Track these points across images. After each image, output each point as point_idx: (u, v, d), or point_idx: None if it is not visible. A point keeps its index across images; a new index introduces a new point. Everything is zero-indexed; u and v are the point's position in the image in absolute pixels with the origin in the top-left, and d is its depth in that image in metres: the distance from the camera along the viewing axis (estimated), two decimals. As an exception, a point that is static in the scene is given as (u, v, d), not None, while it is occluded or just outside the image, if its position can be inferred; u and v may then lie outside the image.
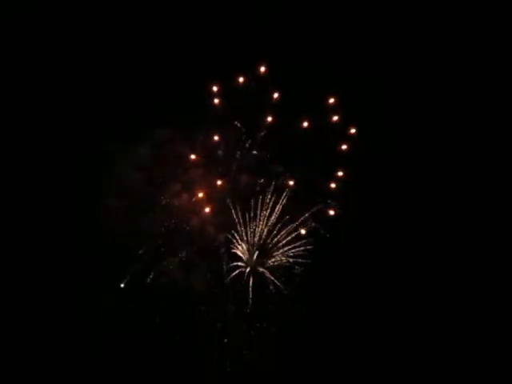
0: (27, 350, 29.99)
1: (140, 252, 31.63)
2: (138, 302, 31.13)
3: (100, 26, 33.77)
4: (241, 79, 32.53)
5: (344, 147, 32.74)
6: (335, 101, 32.65)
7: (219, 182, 32.30)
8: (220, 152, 32.80)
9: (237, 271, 32.08)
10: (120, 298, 31.18)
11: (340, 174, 32.54)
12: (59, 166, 31.96)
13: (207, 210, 31.82)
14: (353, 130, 32.74)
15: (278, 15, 33.33)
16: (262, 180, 32.45)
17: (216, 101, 32.63)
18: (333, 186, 32.48)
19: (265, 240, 32.52)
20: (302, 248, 32.13)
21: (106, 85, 32.71)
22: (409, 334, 31.17)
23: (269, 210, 32.27)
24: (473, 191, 32.76)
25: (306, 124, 32.51)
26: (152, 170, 32.17)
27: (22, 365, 29.62)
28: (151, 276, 31.51)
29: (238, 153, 32.76)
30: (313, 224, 32.21)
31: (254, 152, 32.84)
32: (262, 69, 32.47)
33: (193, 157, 32.39)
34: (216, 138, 32.63)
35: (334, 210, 32.32)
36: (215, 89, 32.59)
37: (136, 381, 30.09)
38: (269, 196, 32.28)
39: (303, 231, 32.07)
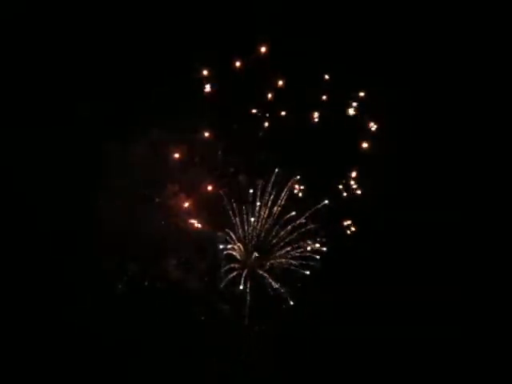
0: (24, 351, 29.72)
1: (139, 252, 31.50)
2: (137, 302, 31.02)
3: (98, 25, 33.83)
4: (237, 63, 31.24)
5: (365, 145, 30.90)
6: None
7: (210, 188, 31.96)
8: (218, 151, 32.81)
9: (235, 272, 31.98)
10: (118, 298, 31.07)
11: (353, 174, 31.43)
12: (59, 165, 31.83)
13: (196, 224, 31.43)
14: (373, 126, 31.08)
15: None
16: (262, 181, 32.47)
17: (208, 87, 31.69)
18: (358, 192, 31.22)
19: (263, 241, 32.54)
20: (300, 250, 32.24)
21: (105, 85, 32.75)
22: (410, 336, 31.15)
23: (268, 211, 32.33)
24: (498, 201, 32.06)
25: (313, 117, 31.66)
26: (151, 169, 32.10)
27: (20, 365, 29.38)
28: (150, 276, 31.43)
29: (236, 151, 32.72)
30: (312, 226, 32.28)
31: (253, 152, 32.92)
32: (263, 49, 30.96)
33: (176, 155, 31.94)
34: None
35: (355, 227, 31.46)
36: (205, 72, 31.50)
37: (136, 381, 29.99)
38: (266, 197, 32.34)
39: (317, 245, 31.79)
